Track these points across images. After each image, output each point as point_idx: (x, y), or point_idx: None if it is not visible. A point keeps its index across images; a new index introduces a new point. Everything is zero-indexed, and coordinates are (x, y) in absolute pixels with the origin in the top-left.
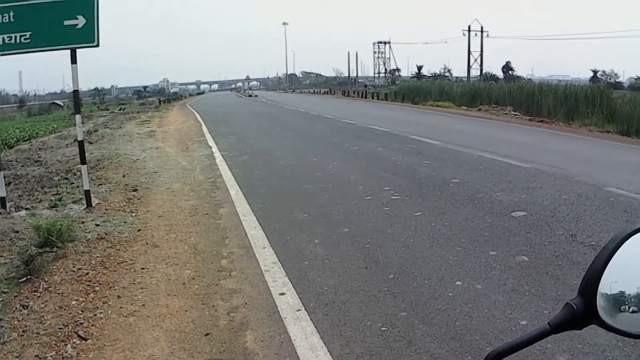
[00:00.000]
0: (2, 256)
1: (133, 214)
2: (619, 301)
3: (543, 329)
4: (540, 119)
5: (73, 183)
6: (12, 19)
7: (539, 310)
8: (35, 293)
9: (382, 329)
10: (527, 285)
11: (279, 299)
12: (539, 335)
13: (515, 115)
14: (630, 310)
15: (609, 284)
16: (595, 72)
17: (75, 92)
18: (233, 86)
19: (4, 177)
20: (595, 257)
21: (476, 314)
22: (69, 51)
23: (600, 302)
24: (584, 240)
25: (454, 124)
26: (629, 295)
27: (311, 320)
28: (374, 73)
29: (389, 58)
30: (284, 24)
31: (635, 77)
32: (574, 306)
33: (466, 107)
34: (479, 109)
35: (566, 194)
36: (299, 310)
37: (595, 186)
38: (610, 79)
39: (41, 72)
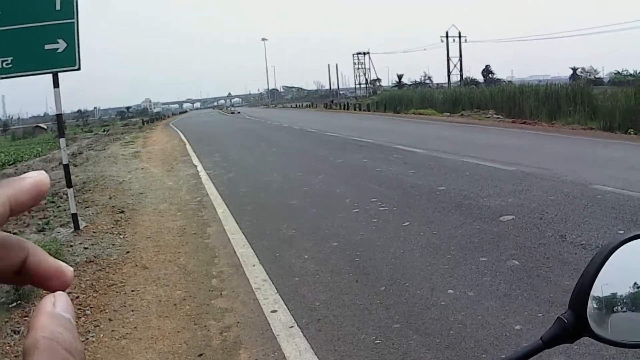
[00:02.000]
0: None
1: (121, 236)
2: (611, 302)
3: (535, 345)
4: (523, 121)
5: (60, 206)
6: None
7: (532, 313)
8: (26, 318)
9: (376, 341)
10: (519, 289)
11: (271, 316)
12: (531, 351)
13: (498, 118)
14: (623, 310)
15: (600, 287)
16: (574, 69)
17: (59, 116)
18: (215, 104)
19: None
20: (584, 270)
21: (470, 321)
22: (50, 75)
23: (590, 311)
24: (573, 240)
25: (438, 131)
26: (621, 296)
27: (304, 336)
28: (355, 84)
29: (369, 68)
30: (263, 39)
31: (615, 72)
32: (565, 320)
33: (449, 114)
34: (462, 115)
35: (553, 195)
36: (292, 327)
37: (582, 185)
38: (590, 75)
39: (24, 95)
